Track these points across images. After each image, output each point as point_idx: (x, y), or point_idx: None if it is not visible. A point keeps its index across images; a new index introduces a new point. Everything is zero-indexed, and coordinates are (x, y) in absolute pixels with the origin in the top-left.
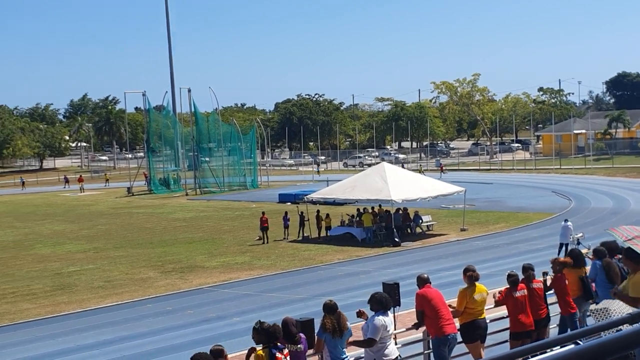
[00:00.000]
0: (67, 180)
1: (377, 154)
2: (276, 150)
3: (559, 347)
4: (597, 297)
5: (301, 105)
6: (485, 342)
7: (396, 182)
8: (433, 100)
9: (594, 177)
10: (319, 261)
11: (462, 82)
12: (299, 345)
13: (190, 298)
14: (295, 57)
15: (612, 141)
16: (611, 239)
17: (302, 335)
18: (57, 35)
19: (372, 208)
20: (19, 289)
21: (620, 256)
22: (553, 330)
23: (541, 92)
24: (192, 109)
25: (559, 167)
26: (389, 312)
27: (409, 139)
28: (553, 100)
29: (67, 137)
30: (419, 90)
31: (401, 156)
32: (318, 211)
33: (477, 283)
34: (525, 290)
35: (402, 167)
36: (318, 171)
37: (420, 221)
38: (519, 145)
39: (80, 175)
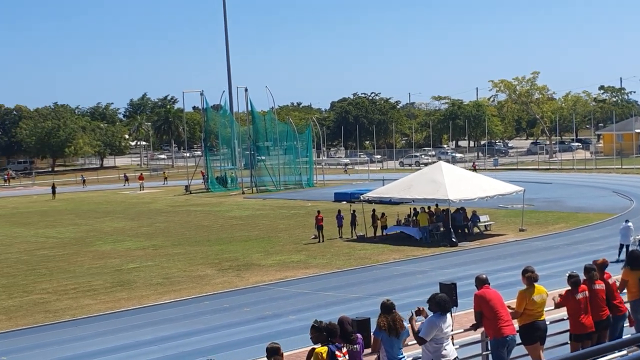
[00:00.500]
0: (126, 179)
1: (433, 153)
2: (332, 149)
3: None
4: None
5: (357, 104)
6: (545, 344)
7: (453, 182)
8: (491, 99)
9: None
10: (374, 260)
11: (521, 80)
12: (355, 345)
13: (246, 296)
14: (351, 55)
15: None
16: None
17: (359, 335)
18: (117, 36)
19: (429, 207)
20: (80, 285)
21: None
22: (627, 329)
23: (602, 91)
24: (249, 108)
25: (619, 166)
26: (447, 314)
27: (466, 138)
28: (614, 99)
29: (127, 136)
30: (477, 88)
31: (458, 155)
32: (374, 210)
33: (536, 284)
34: (587, 292)
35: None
36: (346, 170)
37: (478, 221)
38: (579, 144)
39: (141, 174)
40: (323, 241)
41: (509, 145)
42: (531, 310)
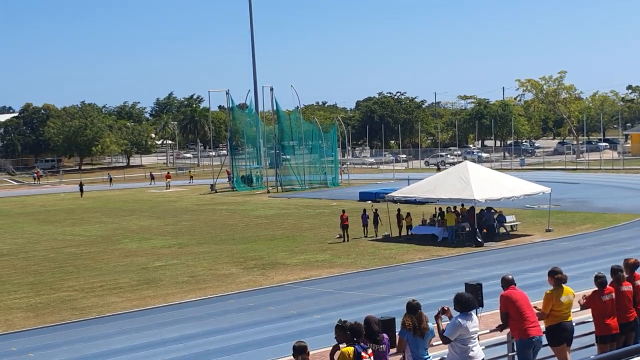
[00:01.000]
0: (152, 177)
1: (459, 152)
2: (357, 149)
3: None
4: None
5: (382, 104)
6: (572, 345)
7: (479, 182)
8: (518, 98)
9: None
10: (399, 260)
11: (548, 79)
12: (381, 346)
13: (271, 294)
14: (377, 55)
15: None
16: None
17: (385, 335)
18: (144, 36)
19: (454, 207)
20: (106, 283)
21: None
22: None
23: (630, 90)
24: (274, 107)
25: None
26: (473, 313)
27: (492, 138)
28: None
29: (153, 135)
30: (503, 88)
31: (484, 155)
32: (399, 210)
33: (564, 285)
34: (614, 294)
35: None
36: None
37: (504, 221)
38: (607, 144)
39: (168, 172)
40: (348, 240)
41: (536, 145)
42: (558, 311)
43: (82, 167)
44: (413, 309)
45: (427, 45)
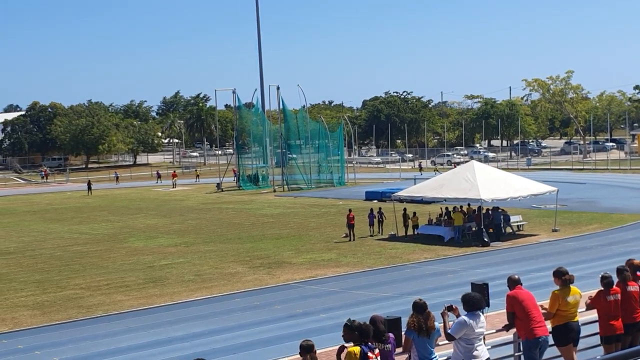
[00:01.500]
0: (159, 176)
1: (466, 152)
2: (363, 148)
3: None
4: None
5: (389, 103)
6: (578, 345)
7: (485, 181)
8: (524, 98)
9: None
10: (405, 259)
11: (555, 79)
12: (387, 345)
13: (277, 293)
14: (383, 54)
15: None
16: None
17: (391, 334)
18: (151, 35)
19: (461, 207)
20: (113, 281)
21: None
22: None
23: (637, 91)
24: (281, 107)
25: None
26: (480, 313)
27: (499, 137)
28: None
29: (160, 134)
30: (510, 87)
31: (491, 154)
32: (405, 209)
33: (570, 285)
34: (619, 294)
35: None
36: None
37: (508, 221)
38: (614, 144)
39: (174, 171)
40: (354, 240)
41: (542, 144)
42: (564, 311)
43: (89, 166)
44: (420, 308)
45: (433, 45)
